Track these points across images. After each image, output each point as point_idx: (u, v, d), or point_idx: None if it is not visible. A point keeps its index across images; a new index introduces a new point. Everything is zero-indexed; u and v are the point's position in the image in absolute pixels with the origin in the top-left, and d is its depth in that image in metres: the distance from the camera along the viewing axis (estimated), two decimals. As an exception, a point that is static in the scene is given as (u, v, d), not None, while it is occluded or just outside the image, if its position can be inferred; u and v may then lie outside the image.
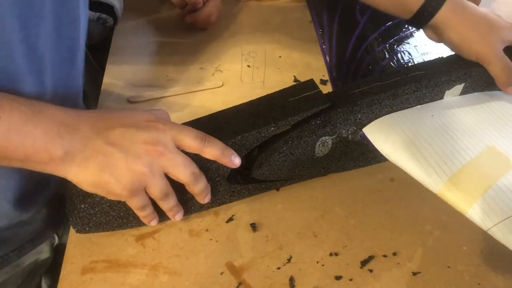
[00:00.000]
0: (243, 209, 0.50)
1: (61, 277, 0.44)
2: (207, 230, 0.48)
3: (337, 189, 0.52)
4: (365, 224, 0.48)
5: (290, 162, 0.49)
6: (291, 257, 0.45)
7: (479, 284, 0.42)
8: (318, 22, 0.79)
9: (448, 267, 0.44)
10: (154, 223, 0.47)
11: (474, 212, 0.41)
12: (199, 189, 0.45)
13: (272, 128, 0.46)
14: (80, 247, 0.47)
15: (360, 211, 0.49)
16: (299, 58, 0.75)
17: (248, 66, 0.73)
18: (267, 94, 0.51)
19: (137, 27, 0.84)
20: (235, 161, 0.45)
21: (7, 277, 0.55)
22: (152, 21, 0.86)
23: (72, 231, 0.49)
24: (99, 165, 0.39)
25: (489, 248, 0.46)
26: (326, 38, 0.75)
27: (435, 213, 0.49)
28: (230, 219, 0.49)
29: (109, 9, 0.81)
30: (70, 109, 0.41)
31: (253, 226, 0.48)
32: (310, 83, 0.51)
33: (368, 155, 0.54)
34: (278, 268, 0.44)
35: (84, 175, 0.40)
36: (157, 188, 0.42)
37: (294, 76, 0.70)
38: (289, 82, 0.69)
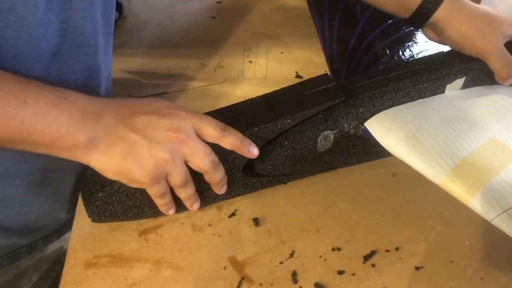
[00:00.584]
0: (245, 204, 0.50)
1: (64, 271, 0.44)
2: (209, 225, 0.48)
3: (340, 184, 0.52)
4: (367, 219, 0.48)
5: (292, 157, 0.49)
6: (293, 251, 0.45)
7: (481, 278, 0.42)
8: (319, 22, 0.79)
9: (451, 261, 0.44)
10: (172, 212, 0.47)
11: (477, 202, 0.41)
12: (218, 178, 0.45)
13: (289, 121, 0.47)
14: (83, 242, 0.47)
15: (362, 206, 0.49)
16: (300, 54, 0.75)
17: (250, 62, 0.73)
18: (283, 88, 0.51)
19: (139, 23, 0.84)
20: (253, 151, 0.45)
21: (32, 263, 0.56)
22: (153, 17, 0.86)
23: (75, 225, 0.49)
24: (122, 152, 0.40)
25: (492, 242, 0.46)
26: (326, 37, 0.75)
27: (438, 208, 0.49)
28: (233, 214, 0.49)
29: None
30: (93, 96, 0.41)
31: (256, 221, 0.48)
32: (325, 77, 0.51)
33: (371, 150, 0.54)
34: (281, 262, 0.44)
35: (107, 162, 0.40)
36: (178, 175, 0.42)
37: (296, 72, 0.70)
38: (291, 78, 0.69)
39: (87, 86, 0.49)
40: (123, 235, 0.47)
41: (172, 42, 0.79)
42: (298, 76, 0.70)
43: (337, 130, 0.50)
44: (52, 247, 0.58)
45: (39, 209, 0.52)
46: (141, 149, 0.40)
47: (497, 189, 0.42)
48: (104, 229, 0.48)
